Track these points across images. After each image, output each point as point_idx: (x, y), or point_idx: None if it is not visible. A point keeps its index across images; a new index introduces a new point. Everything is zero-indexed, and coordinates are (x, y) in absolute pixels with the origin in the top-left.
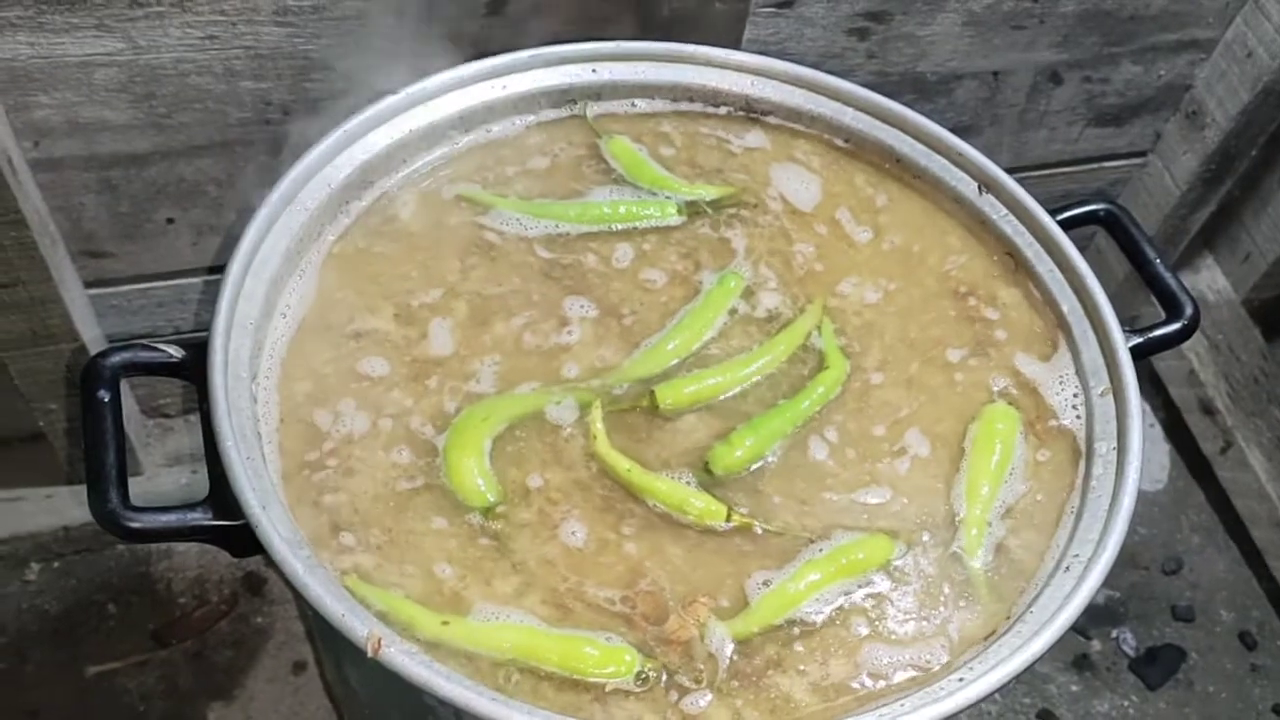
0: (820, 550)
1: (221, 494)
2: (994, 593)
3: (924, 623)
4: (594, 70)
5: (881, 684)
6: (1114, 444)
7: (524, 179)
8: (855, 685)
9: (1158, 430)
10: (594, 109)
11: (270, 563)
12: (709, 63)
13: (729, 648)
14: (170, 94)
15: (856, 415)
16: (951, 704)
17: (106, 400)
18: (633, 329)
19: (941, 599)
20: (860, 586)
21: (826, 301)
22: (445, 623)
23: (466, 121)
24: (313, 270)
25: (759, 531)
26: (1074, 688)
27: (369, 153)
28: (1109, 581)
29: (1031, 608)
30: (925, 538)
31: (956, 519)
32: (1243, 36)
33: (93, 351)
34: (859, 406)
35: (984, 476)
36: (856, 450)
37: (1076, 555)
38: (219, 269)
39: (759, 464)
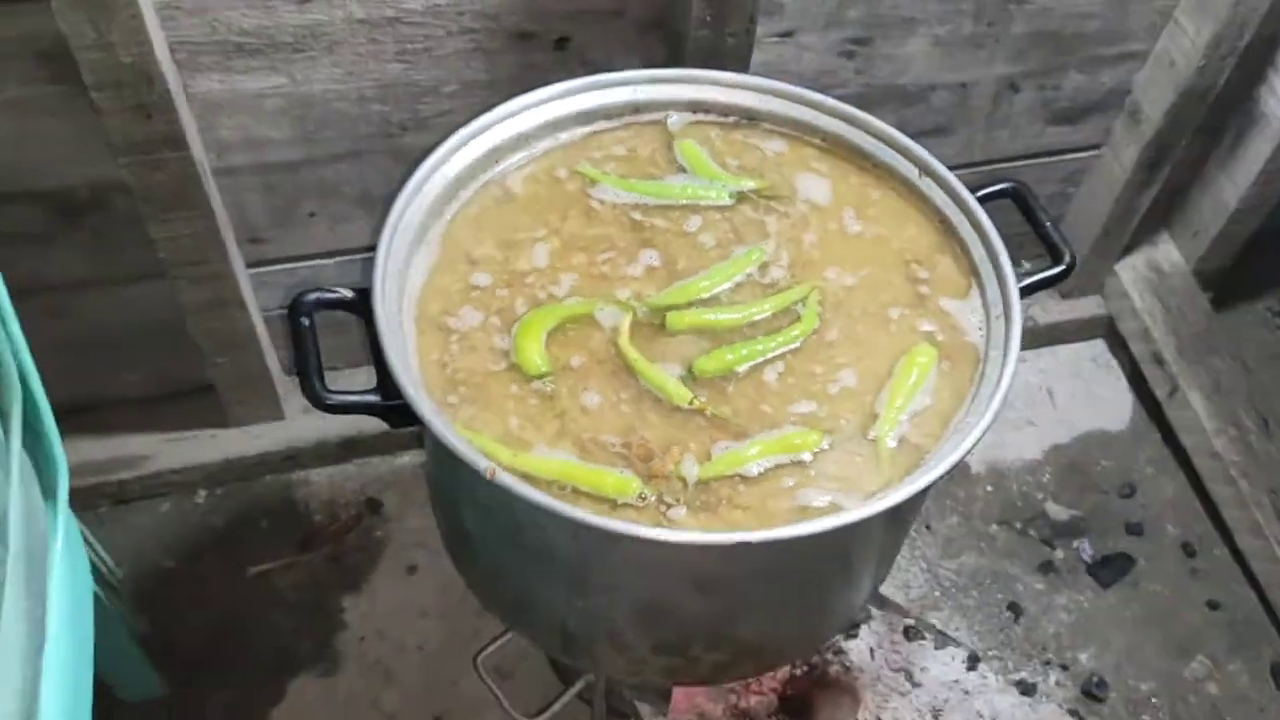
0: (768, 435)
1: (385, 383)
2: (895, 464)
3: (841, 481)
4: (634, 91)
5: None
6: (1002, 350)
7: (609, 167)
8: (787, 509)
9: (1122, 381)
10: (673, 119)
11: (420, 435)
12: (716, 83)
13: (695, 475)
14: (318, 116)
15: (809, 358)
16: (868, 509)
17: (307, 325)
18: (678, 273)
19: (855, 468)
20: (794, 458)
21: (818, 283)
22: (515, 455)
23: (540, 132)
24: (437, 236)
25: (708, 415)
26: (1039, 586)
27: (472, 155)
28: (1075, 501)
29: (933, 456)
30: (847, 429)
31: (875, 420)
32: (1167, 49)
33: (254, 317)
34: (813, 352)
35: (901, 391)
36: (798, 378)
37: (969, 420)
38: (346, 251)
39: (730, 376)
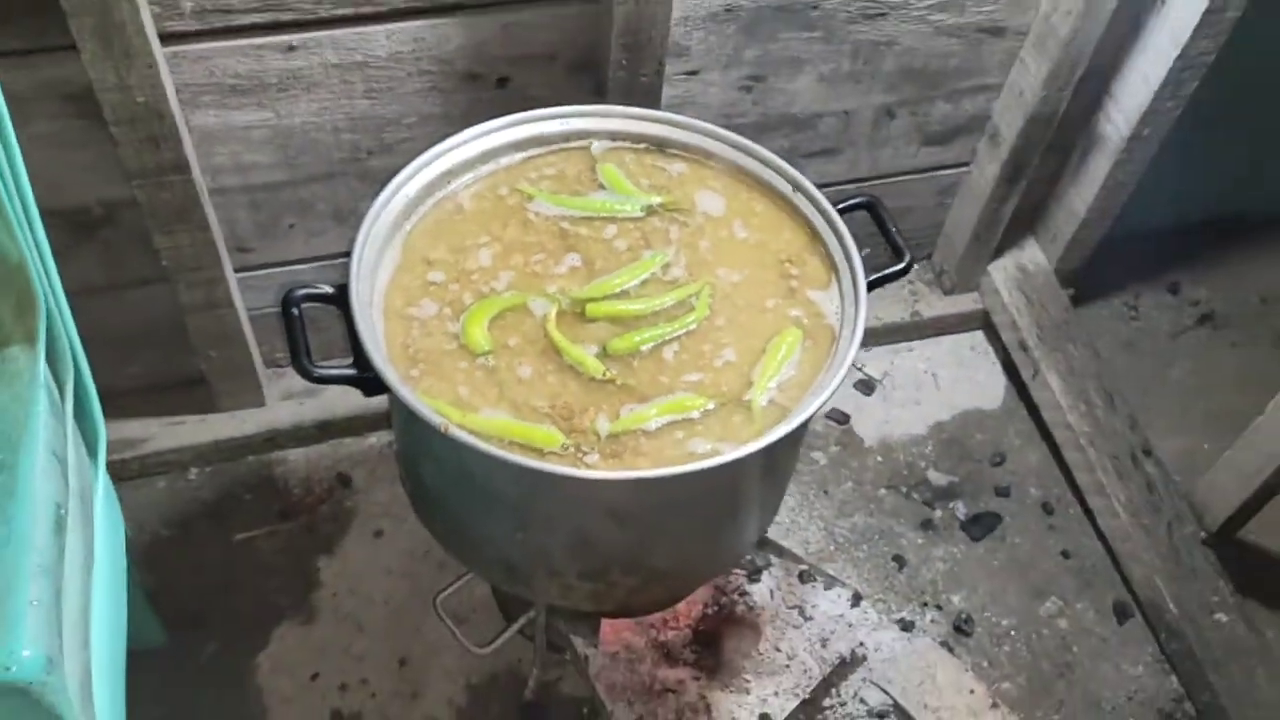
0: (665, 399)
1: (361, 360)
2: (765, 419)
3: (721, 433)
4: (563, 123)
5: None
6: (851, 329)
7: (543, 185)
8: (678, 455)
9: (997, 366)
10: (596, 146)
11: (386, 415)
12: (631, 116)
13: (606, 430)
14: (297, 144)
15: (699, 339)
16: (740, 452)
17: (296, 314)
18: (596, 272)
19: (733, 424)
20: (685, 417)
21: (710, 280)
22: (464, 415)
23: (486, 157)
24: (399, 244)
25: (618, 384)
26: (919, 541)
27: (428, 177)
28: (952, 469)
29: (793, 413)
30: (727, 394)
31: (750, 386)
32: (1016, 82)
33: (241, 316)
34: (703, 335)
35: (772, 364)
36: (689, 355)
37: (823, 385)
38: (321, 258)
39: (636, 353)
